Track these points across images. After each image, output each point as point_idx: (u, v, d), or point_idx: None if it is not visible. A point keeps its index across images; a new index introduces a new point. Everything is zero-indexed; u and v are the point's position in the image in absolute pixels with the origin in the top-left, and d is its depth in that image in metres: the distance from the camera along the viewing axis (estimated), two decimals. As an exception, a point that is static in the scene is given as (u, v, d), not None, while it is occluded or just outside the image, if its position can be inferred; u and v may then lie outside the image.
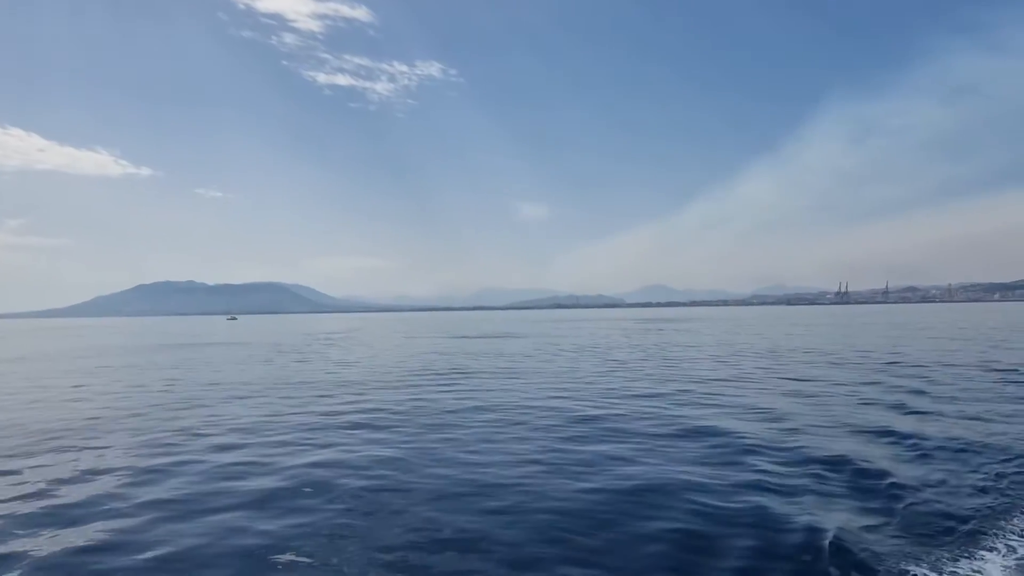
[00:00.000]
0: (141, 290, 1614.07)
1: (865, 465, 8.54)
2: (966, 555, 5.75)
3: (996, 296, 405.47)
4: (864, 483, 7.83)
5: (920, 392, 15.51)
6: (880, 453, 9.36)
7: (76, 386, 19.95)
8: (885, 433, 10.72)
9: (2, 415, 14.32)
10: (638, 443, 10.19)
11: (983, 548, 5.93)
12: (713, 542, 5.99)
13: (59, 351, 41.86)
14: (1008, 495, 7.49)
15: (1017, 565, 5.52)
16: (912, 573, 5.33)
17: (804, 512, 6.67)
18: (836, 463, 8.65)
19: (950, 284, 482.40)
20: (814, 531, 6.08)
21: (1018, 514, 6.83)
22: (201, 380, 21.18)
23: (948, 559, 5.67)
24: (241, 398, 16.40)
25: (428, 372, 22.45)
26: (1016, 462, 8.86)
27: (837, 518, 6.49)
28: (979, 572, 5.42)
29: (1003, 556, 5.75)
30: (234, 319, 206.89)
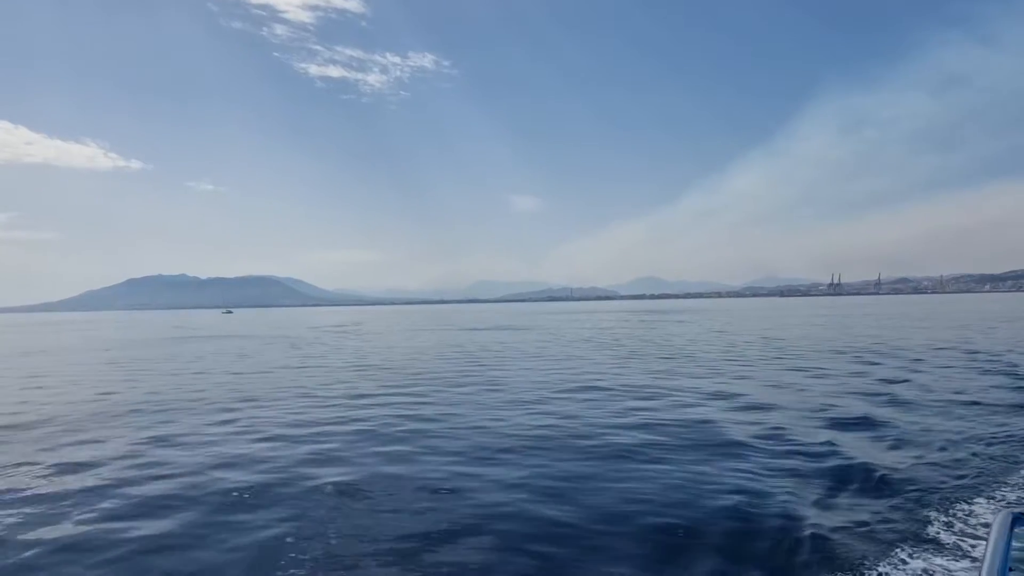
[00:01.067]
0: (131, 284, 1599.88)
1: (858, 452, 9.36)
2: (955, 509, 6.96)
3: (987, 287, 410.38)
4: (853, 468, 8.50)
5: (913, 383, 16.64)
6: (877, 441, 10.22)
7: (126, 379, 20.99)
8: (882, 422, 11.64)
9: (81, 405, 15.40)
10: (639, 431, 11.39)
11: (974, 502, 7.14)
12: (697, 524, 6.62)
13: (72, 345, 42.64)
14: (987, 471, 8.43)
15: (999, 506, 6.81)
16: (890, 539, 6.16)
17: (786, 497, 7.34)
18: (823, 452, 9.32)
19: (941, 275, 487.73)
20: (793, 515, 6.77)
21: (999, 483, 7.88)
22: (235, 369, 22.30)
23: (934, 519, 6.68)
24: (296, 391, 17.55)
25: (456, 361, 23.63)
26: (995, 442, 9.91)
27: (818, 500, 7.28)
28: (968, 514, 6.70)
29: (991, 503, 7.04)
30: (230, 312, 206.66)
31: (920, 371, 18.40)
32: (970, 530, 6.32)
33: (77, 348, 38.56)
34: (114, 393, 16.90)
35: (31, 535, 6.57)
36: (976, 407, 12.77)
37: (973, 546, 5.93)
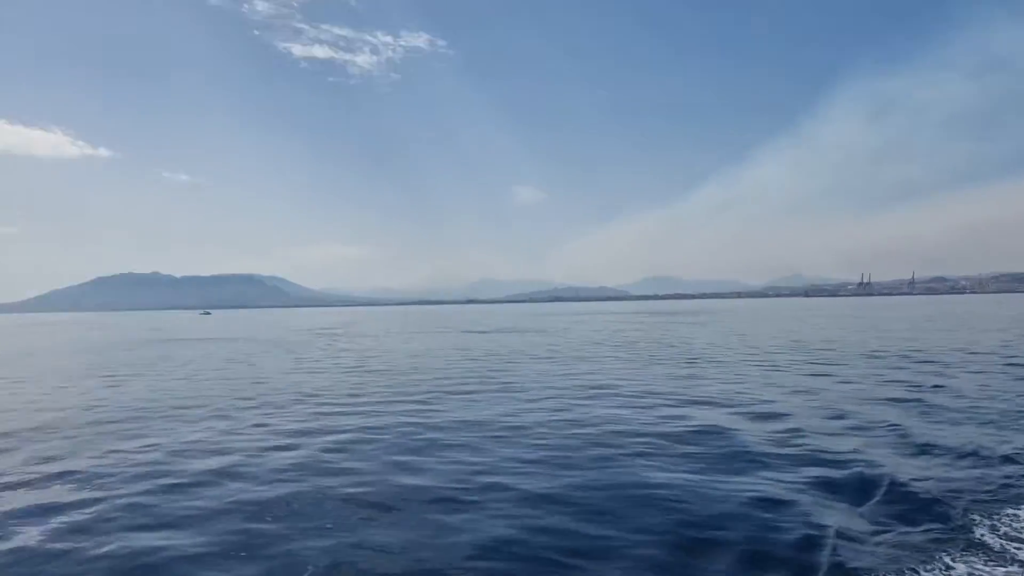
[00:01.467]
0: (101, 283, 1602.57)
1: (887, 460, 9.74)
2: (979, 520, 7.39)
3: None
4: (882, 476, 8.83)
5: (947, 389, 16.86)
6: (906, 448, 10.54)
7: (110, 385, 21.46)
8: (912, 430, 12.06)
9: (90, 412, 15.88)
10: (642, 439, 11.91)
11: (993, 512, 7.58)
12: (715, 534, 7.06)
13: (44, 348, 43.00)
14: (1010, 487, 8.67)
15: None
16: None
17: (814, 504, 7.80)
18: (851, 459, 9.68)
19: (980, 274, 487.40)
20: (821, 523, 7.16)
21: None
22: (228, 375, 22.74)
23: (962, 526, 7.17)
24: (304, 396, 18.01)
25: (466, 367, 24.06)
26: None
27: (847, 508, 7.73)
28: (1013, 519, 7.14)
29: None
30: (208, 314, 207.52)
31: (954, 377, 18.79)
32: (1014, 533, 6.78)
33: (52, 352, 38.94)
34: (104, 401, 17.31)
35: (59, 545, 7.02)
36: (1011, 415, 13.09)
37: (1019, 548, 6.37)
